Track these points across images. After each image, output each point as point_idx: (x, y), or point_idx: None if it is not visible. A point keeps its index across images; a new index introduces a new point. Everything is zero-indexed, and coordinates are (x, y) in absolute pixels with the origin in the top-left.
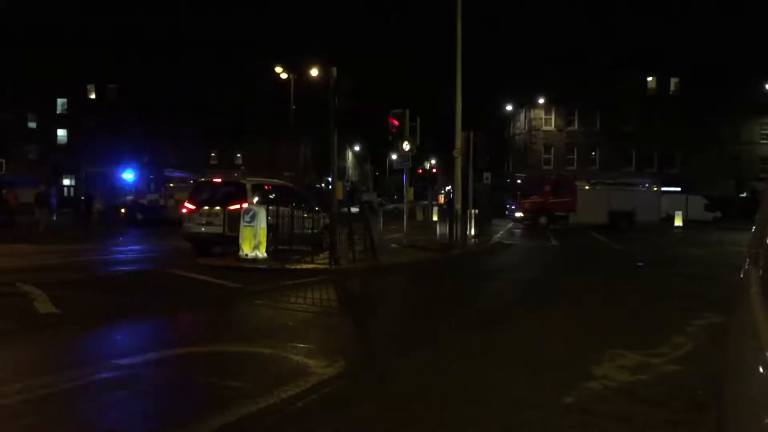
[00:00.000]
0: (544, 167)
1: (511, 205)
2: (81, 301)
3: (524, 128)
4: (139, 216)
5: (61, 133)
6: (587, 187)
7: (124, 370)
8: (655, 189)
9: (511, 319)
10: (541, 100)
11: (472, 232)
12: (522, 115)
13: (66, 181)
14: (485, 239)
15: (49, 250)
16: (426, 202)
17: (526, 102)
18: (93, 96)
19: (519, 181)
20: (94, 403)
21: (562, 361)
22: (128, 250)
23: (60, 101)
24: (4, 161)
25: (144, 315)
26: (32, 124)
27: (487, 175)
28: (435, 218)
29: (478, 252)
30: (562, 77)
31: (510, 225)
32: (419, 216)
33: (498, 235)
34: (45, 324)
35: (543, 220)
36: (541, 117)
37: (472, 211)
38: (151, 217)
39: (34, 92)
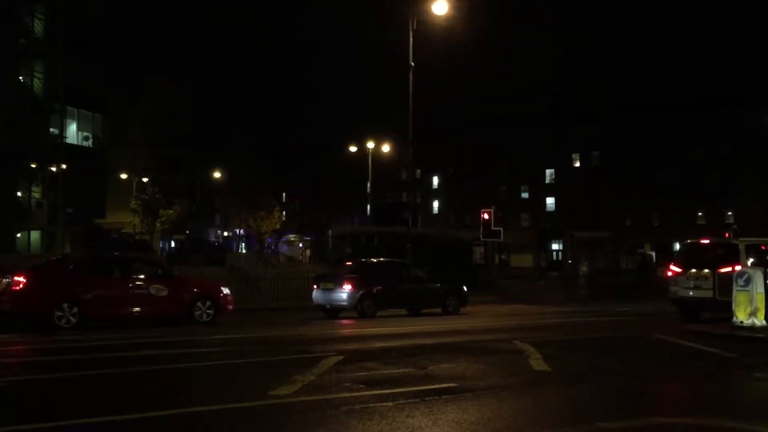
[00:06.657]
0: None
1: None
2: (570, 361)
3: None
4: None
5: (550, 201)
6: None
7: None
8: None
9: None
10: None
11: None
12: None
13: (554, 246)
14: None
15: (540, 311)
16: None
17: None
18: (577, 164)
19: None
20: None
21: None
22: (611, 311)
23: (548, 171)
24: (502, 229)
25: (629, 379)
26: (525, 194)
27: None
28: None
29: None
30: None
31: None
32: None
33: None
34: (538, 380)
35: None
36: None
37: None
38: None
39: (526, 166)
